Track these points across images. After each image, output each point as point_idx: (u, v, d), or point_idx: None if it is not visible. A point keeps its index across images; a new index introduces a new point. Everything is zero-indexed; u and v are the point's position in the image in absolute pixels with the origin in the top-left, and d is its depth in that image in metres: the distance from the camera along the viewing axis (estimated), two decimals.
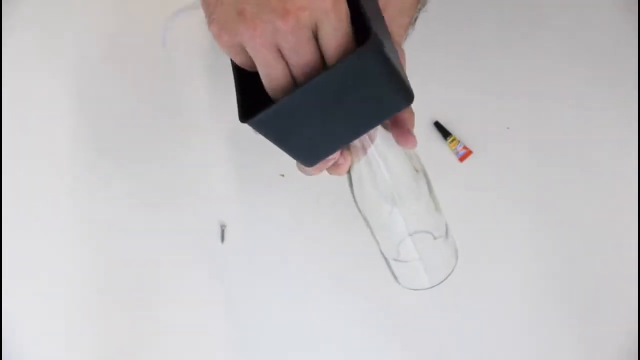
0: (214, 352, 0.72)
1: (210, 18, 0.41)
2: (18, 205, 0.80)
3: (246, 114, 0.42)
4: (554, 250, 0.74)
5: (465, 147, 0.79)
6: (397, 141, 0.52)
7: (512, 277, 0.73)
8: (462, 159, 0.79)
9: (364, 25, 0.42)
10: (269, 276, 0.75)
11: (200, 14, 0.45)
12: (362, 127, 0.46)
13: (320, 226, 0.76)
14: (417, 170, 0.57)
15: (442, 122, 0.81)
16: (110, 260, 0.76)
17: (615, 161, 0.79)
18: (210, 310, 0.73)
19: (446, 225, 0.62)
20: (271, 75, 0.42)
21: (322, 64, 0.42)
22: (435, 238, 0.60)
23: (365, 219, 0.58)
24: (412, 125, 0.52)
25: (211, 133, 0.82)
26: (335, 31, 0.40)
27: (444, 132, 0.80)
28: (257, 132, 0.43)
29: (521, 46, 0.86)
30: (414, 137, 0.50)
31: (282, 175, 0.79)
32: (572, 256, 0.74)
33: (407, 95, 0.44)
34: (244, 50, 0.41)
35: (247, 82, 0.45)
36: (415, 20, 0.60)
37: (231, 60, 0.45)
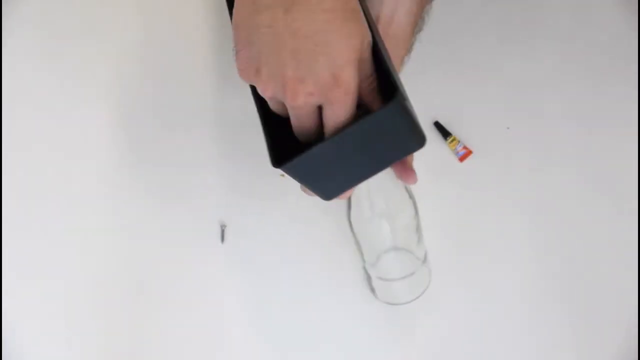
0: (214, 352, 0.72)
1: (238, 55, 0.44)
2: (18, 205, 0.80)
3: (277, 157, 0.46)
4: (554, 250, 0.74)
5: (465, 147, 0.79)
6: (400, 177, 0.56)
7: (512, 277, 0.73)
8: (462, 159, 0.79)
9: (383, 69, 0.45)
10: (269, 276, 0.75)
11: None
12: (378, 166, 0.50)
13: (321, 226, 0.76)
14: (410, 197, 0.63)
15: (442, 122, 0.81)
16: (110, 260, 0.76)
17: (615, 161, 0.79)
18: (210, 310, 0.73)
19: (425, 252, 0.68)
20: (280, 112, 0.46)
21: (319, 126, 0.45)
22: (415, 259, 0.66)
23: (354, 235, 0.62)
24: (412, 161, 0.56)
25: (212, 133, 0.82)
26: (335, 117, 0.43)
27: (444, 132, 0.80)
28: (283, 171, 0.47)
29: (521, 46, 0.86)
30: (414, 172, 0.54)
31: (282, 175, 0.79)
32: (572, 256, 0.74)
33: (421, 140, 0.48)
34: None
35: (271, 121, 0.49)
36: (412, 47, 0.61)
37: (256, 105, 0.49)
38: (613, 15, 0.87)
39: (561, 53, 0.85)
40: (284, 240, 0.76)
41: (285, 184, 0.79)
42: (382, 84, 0.47)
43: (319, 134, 0.46)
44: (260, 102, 0.48)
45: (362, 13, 0.43)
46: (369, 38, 0.44)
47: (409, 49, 0.60)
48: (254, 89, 0.48)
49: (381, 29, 0.56)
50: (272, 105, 0.47)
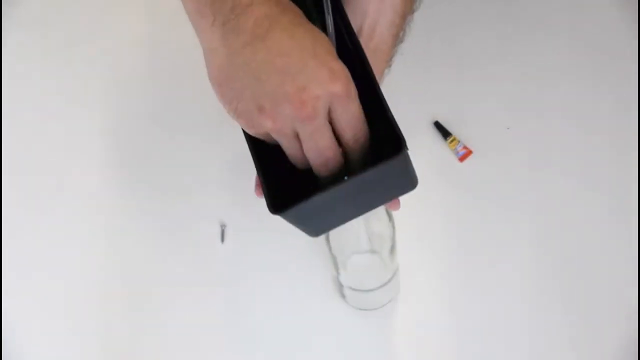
0: (214, 352, 0.72)
1: (236, 112, 0.44)
2: (17, 205, 0.80)
3: (274, 204, 0.45)
4: (554, 250, 0.74)
5: (465, 147, 0.79)
6: (386, 205, 0.55)
7: (512, 277, 0.73)
8: (462, 159, 0.79)
9: (379, 105, 0.46)
10: (269, 276, 0.75)
11: None
12: (371, 206, 0.50)
13: None
14: (389, 218, 0.62)
15: (442, 122, 0.81)
16: (110, 260, 0.76)
17: (615, 161, 0.79)
18: (210, 310, 0.73)
19: (398, 267, 0.68)
20: (296, 157, 0.45)
21: (338, 146, 0.44)
22: (385, 268, 0.65)
23: (329, 243, 0.62)
24: None
25: (211, 133, 0.82)
26: (347, 114, 0.43)
27: (444, 132, 0.80)
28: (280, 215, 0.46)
29: (521, 46, 0.86)
30: (399, 201, 0.54)
31: None
32: (572, 256, 0.74)
33: (414, 182, 0.49)
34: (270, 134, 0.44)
35: (265, 159, 0.48)
36: (393, 59, 0.60)
37: (249, 147, 0.48)
38: (613, 15, 0.87)
39: (561, 53, 0.85)
40: (284, 240, 0.76)
41: None
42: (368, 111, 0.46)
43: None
44: (254, 146, 0.48)
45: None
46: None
47: (389, 61, 0.60)
48: (245, 133, 0.47)
49: (363, 41, 0.55)
50: (290, 151, 0.45)
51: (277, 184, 0.47)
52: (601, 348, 0.69)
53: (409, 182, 0.49)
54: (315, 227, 0.51)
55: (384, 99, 0.46)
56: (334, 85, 0.41)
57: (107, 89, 0.87)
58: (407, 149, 0.44)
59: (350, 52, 0.49)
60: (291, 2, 0.43)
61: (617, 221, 0.76)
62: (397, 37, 0.59)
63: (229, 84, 0.43)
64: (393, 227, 0.62)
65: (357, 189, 0.46)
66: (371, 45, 0.57)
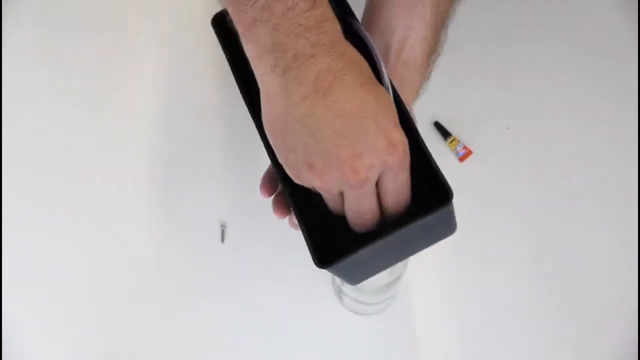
0: (213, 352, 0.72)
1: (286, 163, 0.43)
2: (18, 205, 0.80)
3: (321, 258, 0.45)
4: (554, 250, 0.74)
5: (465, 147, 0.79)
6: None
7: (512, 277, 0.73)
8: (462, 159, 0.79)
9: (422, 155, 0.45)
10: (269, 276, 0.75)
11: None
12: (412, 251, 0.50)
13: None
14: None
15: (442, 122, 0.81)
16: (110, 260, 0.76)
17: (615, 161, 0.79)
18: (210, 310, 0.73)
19: (397, 291, 0.68)
20: (336, 210, 0.45)
21: (378, 210, 0.44)
22: (389, 285, 0.65)
23: None
24: None
25: (211, 133, 0.82)
26: (396, 184, 0.42)
27: (444, 132, 0.80)
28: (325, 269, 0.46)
29: (521, 47, 0.86)
30: None
31: None
32: (572, 256, 0.74)
33: (454, 227, 0.50)
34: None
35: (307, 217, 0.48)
36: (429, 76, 0.59)
37: (293, 205, 0.47)
38: (613, 16, 0.87)
39: (561, 53, 0.85)
40: (283, 240, 0.76)
41: None
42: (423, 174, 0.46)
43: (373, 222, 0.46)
44: (296, 204, 0.47)
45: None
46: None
47: (424, 78, 0.59)
48: (291, 195, 0.47)
49: (392, 57, 0.54)
50: (332, 204, 0.45)
51: (316, 228, 0.46)
52: (601, 348, 0.69)
53: (450, 228, 0.49)
54: (358, 276, 0.50)
55: (427, 149, 0.46)
56: (390, 156, 0.40)
57: (107, 89, 0.87)
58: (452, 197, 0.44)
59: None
60: (357, 54, 0.41)
61: (617, 221, 0.76)
62: (431, 52, 0.57)
63: (284, 134, 0.42)
64: (407, 263, 0.62)
65: (402, 238, 0.45)
66: (401, 59, 0.55)
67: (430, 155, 0.46)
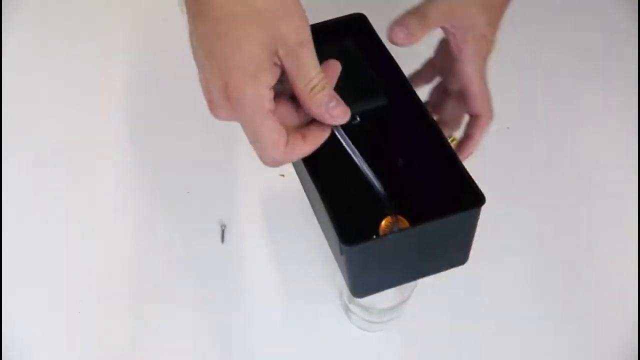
0: (213, 352, 0.72)
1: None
2: (18, 205, 0.80)
3: (346, 239, 0.45)
4: (554, 250, 0.74)
5: None
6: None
7: (512, 277, 0.73)
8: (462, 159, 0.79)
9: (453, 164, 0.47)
10: (269, 276, 0.75)
11: None
12: (424, 271, 0.51)
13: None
14: None
15: None
16: (110, 260, 0.76)
17: (615, 161, 0.79)
18: (210, 311, 0.73)
19: (402, 310, 0.68)
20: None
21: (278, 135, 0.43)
22: (397, 306, 0.66)
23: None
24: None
25: (212, 133, 0.82)
26: (248, 130, 0.45)
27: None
28: (344, 257, 0.46)
29: (521, 46, 0.86)
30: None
31: (282, 175, 0.79)
32: (573, 256, 0.74)
33: (466, 257, 0.51)
34: None
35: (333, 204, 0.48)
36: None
37: (320, 195, 0.47)
38: (613, 15, 0.87)
39: (561, 53, 0.85)
40: (283, 240, 0.76)
41: (285, 184, 0.79)
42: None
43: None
44: (321, 184, 0.48)
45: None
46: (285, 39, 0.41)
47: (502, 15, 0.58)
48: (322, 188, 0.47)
49: None
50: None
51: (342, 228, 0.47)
52: (601, 348, 0.69)
53: (465, 253, 0.50)
54: (370, 281, 0.50)
55: (458, 157, 0.47)
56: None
57: (107, 89, 0.87)
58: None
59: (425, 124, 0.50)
60: None
61: (617, 221, 0.76)
62: None
63: (194, 57, 0.43)
64: (416, 284, 0.63)
65: (426, 238, 0.46)
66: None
67: (461, 163, 0.47)
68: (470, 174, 0.46)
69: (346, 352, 0.71)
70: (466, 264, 0.74)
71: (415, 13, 0.50)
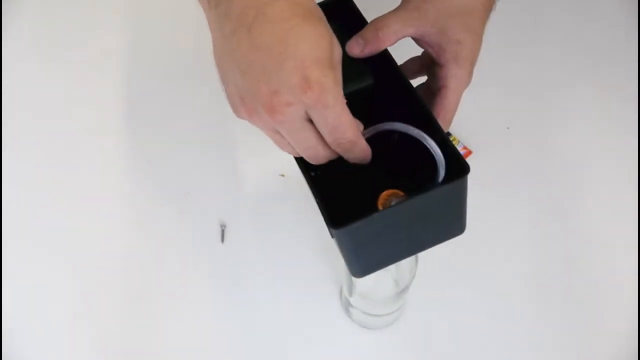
0: (213, 352, 0.72)
1: (227, 97, 0.44)
2: (18, 205, 0.80)
3: (334, 221, 0.45)
4: (554, 250, 0.74)
5: (465, 147, 0.79)
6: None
7: (512, 277, 0.73)
8: None
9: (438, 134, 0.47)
10: (269, 276, 0.75)
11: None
12: (418, 248, 0.51)
13: (321, 226, 0.75)
14: (416, 265, 0.63)
15: None
16: (110, 261, 0.76)
17: (615, 161, 0.79)
18: (210, 311, 0.73)
19: (405, 302, 0.69)
20: (283, 149, 0.45)
21: (321, 144, 0.44)
22: (397, 301, 0.66)
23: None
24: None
25: (212, 133, 0.82)
26: (324, 120, 0.42)
27: None
28: (336, 239, 0.46)
29: (521, 46, 0.86)
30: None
31: (282, 175, 0.79)
32: (572, 256, 0.74)
33: (462, 226, 0.50)
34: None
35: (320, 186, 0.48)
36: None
37: (302, 172, 0.48)
38: (613, 16, 0.87)
39: (561, 53, 0.85)
40: (283, 240, 0.76)
41: (285, 184, 0.79)
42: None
43: (328, 156, 0.45)
44: (306, 166, 0.47)
45: (322, 15, 0.42)
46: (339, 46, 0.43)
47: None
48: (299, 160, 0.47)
49: None
50: (274, 140, 0.45)
51: (331, 200, 0.46)
52: (601, 348, 0.69)
53: (459, 222, 0.49)
54: (367, 259, 0.50)
55: (443, 131, 0.47)
56: (304, 94, 0.40)
57: (107, 89, 0.87)
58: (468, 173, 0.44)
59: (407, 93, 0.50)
60: None
61: (617, 221, 0.76)
62: None
63: (221, 67, 0.43)
64: (415, 273, 0.63)
65: (414, 213, 0.45)
66: None
67: (447, 136, 0.47)
68: (455, 147, 0.46)
69: (346, 351, 0.71)
70: (466, 264, 0.74)
71: (376, 24, 0.50)
